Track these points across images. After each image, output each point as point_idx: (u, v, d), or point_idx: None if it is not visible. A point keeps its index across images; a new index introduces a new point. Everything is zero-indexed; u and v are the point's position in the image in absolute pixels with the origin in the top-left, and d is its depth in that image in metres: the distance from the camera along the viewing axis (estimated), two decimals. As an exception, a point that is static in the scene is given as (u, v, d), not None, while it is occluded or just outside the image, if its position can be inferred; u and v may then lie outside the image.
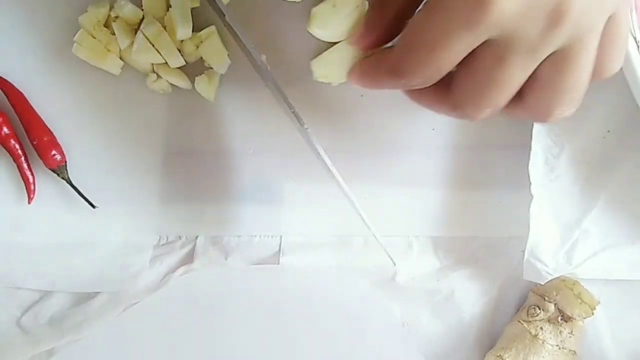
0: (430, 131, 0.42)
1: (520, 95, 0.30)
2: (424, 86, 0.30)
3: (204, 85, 0.41)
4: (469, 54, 0.28)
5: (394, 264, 0.42)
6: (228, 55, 0.40)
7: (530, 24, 0.26)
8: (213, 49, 0.40)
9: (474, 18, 0.25)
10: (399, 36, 0.30)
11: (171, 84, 0.41)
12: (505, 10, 0.25)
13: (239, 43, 0.35)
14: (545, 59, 0.28)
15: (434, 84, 0.30)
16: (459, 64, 0.28)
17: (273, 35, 0.40)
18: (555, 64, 0.28)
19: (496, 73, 0.28)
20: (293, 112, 0.36)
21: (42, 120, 0.41)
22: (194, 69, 0.41)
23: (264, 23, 0.40)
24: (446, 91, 0.31)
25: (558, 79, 0.28)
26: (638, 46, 0.35)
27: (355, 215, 0.39)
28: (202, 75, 0.41)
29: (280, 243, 0.43)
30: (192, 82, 0.41)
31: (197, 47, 0.40)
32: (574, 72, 0.28)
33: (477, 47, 0.27)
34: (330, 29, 0.37)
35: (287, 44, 0.41)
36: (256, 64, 0.36)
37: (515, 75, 0.28)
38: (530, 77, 0.28)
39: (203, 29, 0.40)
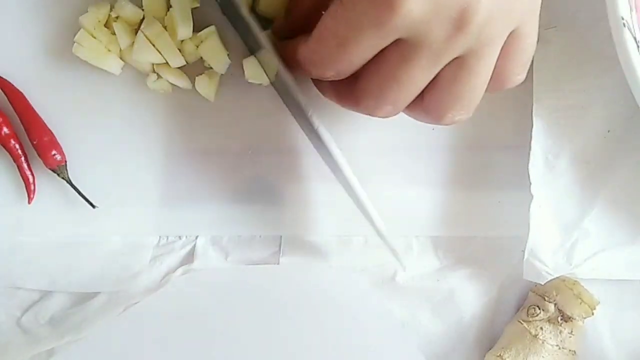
0: (430, 131, 0.42)
1: (420, 95, 0.31)
2: (337, 78, 0.32)
3: (204, 85, 0.41)
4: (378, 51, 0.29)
5: (403, 268, 0.42)
6: (228, 55, 0.40)
7: (436, 28, 0.27)
8: (213, 49, 0.40)
9: (382, 18, 0.27)
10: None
11: (171, 84, 0.41)
12: (412, 13, 0.26)
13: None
14: (446, 64, 0.29)
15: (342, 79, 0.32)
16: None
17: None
18: (454, 70, 0.29)
19: (400, 72, 0.29)
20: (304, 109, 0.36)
21: (42, 120, 0.41)
22: (194, 68, 0.41)
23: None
24: (352, 85, 0.32)
25: (454, 84, 0.30)
26: (638, 46, 0.35)
27: (359, 215, 0.39)
28: (203, 75, 0.41)
29: (280, 243, 0.43)
30: (192, 82, 0.41)
31: (197, 47, 0.40)
32: (470, 79, 0.30)
33: (386, 46, 0.29)
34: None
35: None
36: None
37: (418, 76, 0.29)
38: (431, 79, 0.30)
39: (203, 29, 0.40)
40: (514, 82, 0.32)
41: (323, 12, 0.30)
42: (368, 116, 0.40)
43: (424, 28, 0.27)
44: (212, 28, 0.40)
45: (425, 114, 0.32)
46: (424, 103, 0.32)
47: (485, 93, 0.31)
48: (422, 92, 0.31)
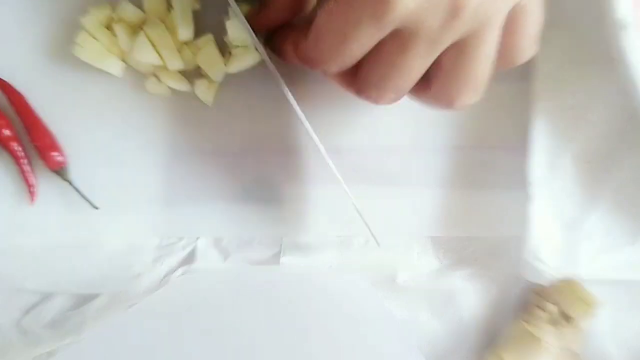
0: (431, 131, 0.42)
1: (427, 83, 0.32)
2: (339, 70, 0.32)
3: (203, 90, 0.41)
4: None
5: (378, 245, 0.42)
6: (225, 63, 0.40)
7: (431, 16, 0.28)
8: (210, 57, 0.40)
9: (379, 12, 0.27)
10: (312, 25, 0.31)
11: (170, 88, 0.41)
12: (407, 5, 0.27)
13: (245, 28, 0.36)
14: (447, 48, 0.29)
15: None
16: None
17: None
18: (455, 55, 0.30)
19: (399, 60, 0.30)
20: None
21: (43, 121, 0.41)
22: (193, 71, 0.41)
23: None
24: (353, 75, 0.33)
25: (458, 69, 0.30)
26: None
27: (359, 215, 0.39)
28: (202, 79, 0.41)
29: (281, 244, 0.43)
30: (192, 84, 0.41)
31: (194, 54, 0.40)
32: (473, 62, 0.30)
33: (385, 36, 0.29)
34: None
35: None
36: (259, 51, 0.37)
37: (417, 63, 0.30)
38: (434, 65, 0.30)
39: (204, 30, 0.40)
40: (523, 57, 0.32)
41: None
42: (367, 110, 0.41)
43: (419, 18, 0.28)
44: (209, 36, 0.40)
45: (433, 100, 0.33)
46: (432, 91, 0.32)
47: (489, 86, 0.31)
48: (429, 79, 0.32)
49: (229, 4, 0.36)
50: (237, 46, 0.40)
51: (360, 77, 0.32)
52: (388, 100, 0.33)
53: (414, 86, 0.32)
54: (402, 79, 0.31)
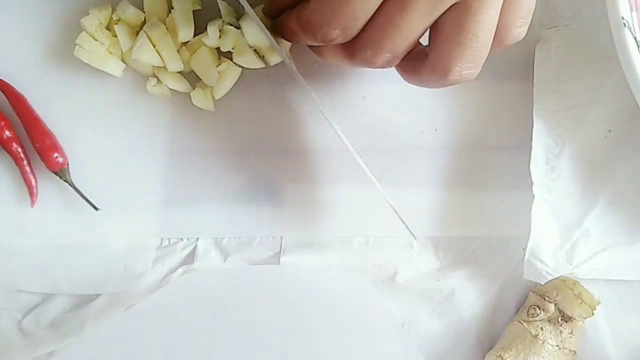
0: (432, 131, 0.43)
1: (425, 54, 0.31)
2: (342, 40, 0.31)
3: (200, 98, 0.41)
4: None
5: (415, 238, 0.42)
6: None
7: None
8: (203, 59, 0.40)
9: None
10: None
11: (170, 89, 0.41)
12: None
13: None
14: (448, 9, 0.29)
15: None
16: None
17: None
18: (456, 16, 0.29)
19: (398, 18, 0.29)
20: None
21: (43, 123, 0.42)
22: (194, 72, 0.41)
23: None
24: (348, 43, 0.32)
25: (458, 32, 0.29)
26: (638, 46, 0.35)
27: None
28: (197, 89, 0.41)
29: (281, 244, 0.43)
30: (193, 86, 0.41)
31: (192, 55, 0.40)
32: (473, 26, 0.29)
33: None
34: None
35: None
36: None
37: (417, 22, 0.29)
38: (433, 31, 0.30)
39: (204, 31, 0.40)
40: (515, 36, 0.31)
41: None
42: (368, 110, 0.40)
43: None
44: (203, 36, 0.40)
45: (431, 72, 0.31)
46: (429, 60, 0.31)
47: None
48: (428, 48, 0.31)
49: (243, 6, 0.36)
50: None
51: (356, 37, 0.31)
52: (383, 61, 0.31)
53: (410, 58, 0.31)
54: (401, 38, 0.30)
